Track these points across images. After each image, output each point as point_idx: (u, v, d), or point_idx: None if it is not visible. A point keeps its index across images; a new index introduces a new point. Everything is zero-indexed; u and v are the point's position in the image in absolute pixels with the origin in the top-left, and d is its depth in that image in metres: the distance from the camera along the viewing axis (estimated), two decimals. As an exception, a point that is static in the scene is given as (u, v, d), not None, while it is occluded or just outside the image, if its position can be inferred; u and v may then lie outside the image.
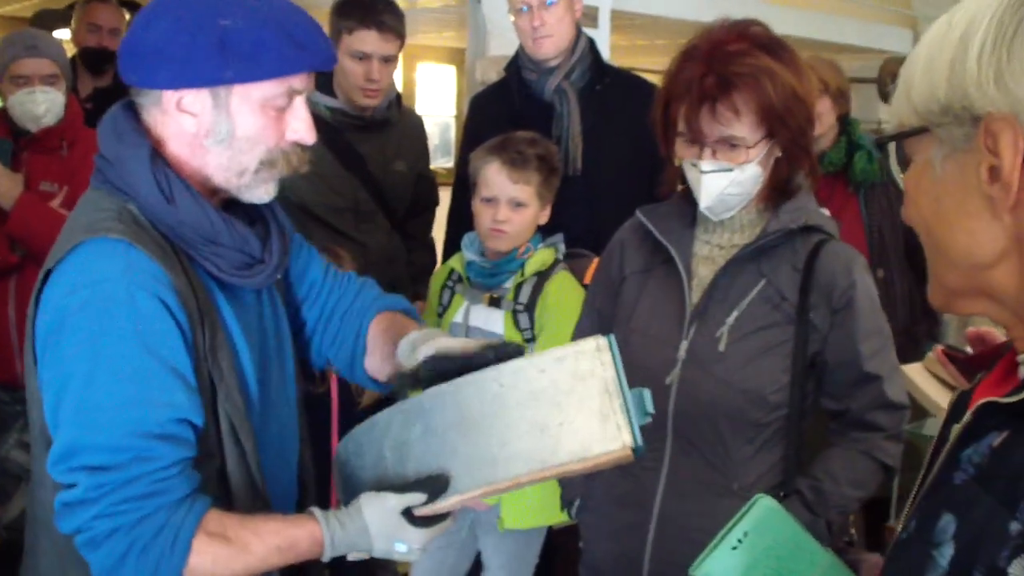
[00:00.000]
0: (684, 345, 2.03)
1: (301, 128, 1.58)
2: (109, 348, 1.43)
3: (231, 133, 1.53)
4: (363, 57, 3.08)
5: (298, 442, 1.80)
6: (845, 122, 3.49)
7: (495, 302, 2.72)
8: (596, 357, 1.44)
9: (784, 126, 1.94)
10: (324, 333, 1.87)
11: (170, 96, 1.52)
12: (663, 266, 2.11)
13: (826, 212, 2.22)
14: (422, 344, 1.63)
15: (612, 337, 1.46)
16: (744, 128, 1.93)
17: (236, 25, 1.47)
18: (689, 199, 2.07)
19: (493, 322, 2.71)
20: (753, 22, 2.00)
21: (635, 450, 1.42)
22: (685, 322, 2.04)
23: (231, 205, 1.65)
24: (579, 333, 2.30)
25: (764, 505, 1.30)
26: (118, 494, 1.42)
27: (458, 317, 2.76)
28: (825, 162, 3.42)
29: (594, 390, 1.43)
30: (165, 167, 1.54)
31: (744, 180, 1.97)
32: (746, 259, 2.03)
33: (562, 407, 1.43)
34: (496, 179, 2.70)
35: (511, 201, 2.69)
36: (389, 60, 3.14)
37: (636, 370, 2.02)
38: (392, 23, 3.10)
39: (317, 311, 1.87)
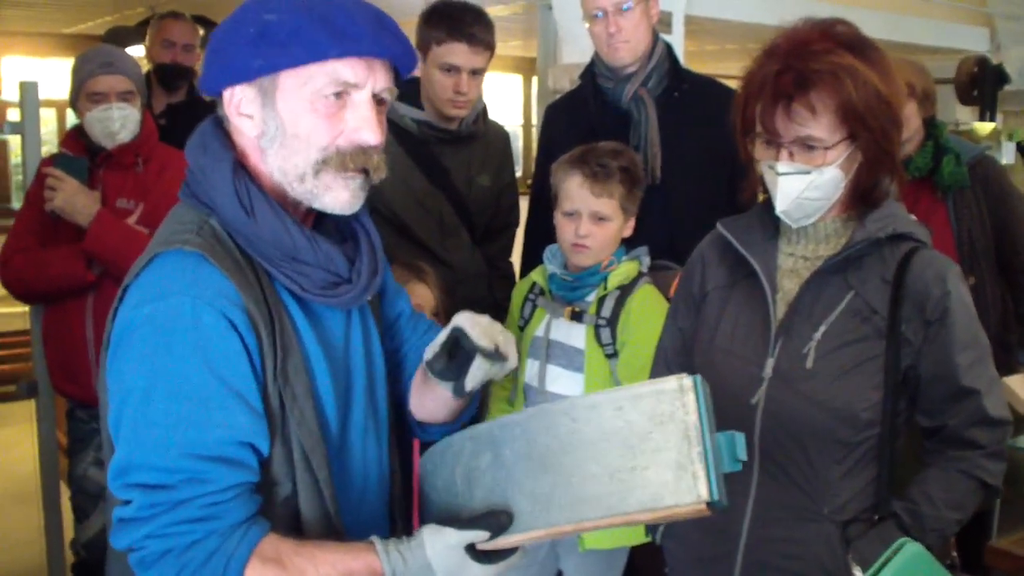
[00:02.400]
0: (770, 363, 1.95)
1: (362, 126, 1.49)
2: (169, 365, 1.39)
3: (282, 130, 1.49)
4: (451, 69, 3.02)
5: (389, 472, 1.73)
6: (931, 125, 3.39)
7: (577, 316, 2.65)
8: (678, 398, 1.34)
9: (866, 128, 1.85)
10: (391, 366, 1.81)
11: (227, 100, 1.51)
12: (746, 280, 2.04)
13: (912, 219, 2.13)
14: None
15: (699, 378, 1.36)
16: (821, 128, 1.85)
17: (279, 18, 1.45)
18: (771, 210, 1.99)
19: (574, 336, 2.65)
20: (839, 21, 1.92)
21: (712, 504, 1.31)
22: (770, 339, 1.97)
23: (321, 223, 1.62)
24: (660, 353, 2.24)
25: (911, 551, 1.19)
26: (170, 516, 1.38)
27: (539, 331, 2.71)
28: (911, 167, 3.32)
29: (672, 436, 1.32)
30: (247, 180, 1.51)
31: (823, 184, 1.89)
32: (832, 271, 1.94)
33: (636, 451, 1.34)
34: (578, 193, 2.63)
35: (593, 215, 2.63)
36: (478, 73, 3.07)
37: (720, 390, 1.95)
38: (482, 35, 3.03)
39: (397, 343, 1.83)
